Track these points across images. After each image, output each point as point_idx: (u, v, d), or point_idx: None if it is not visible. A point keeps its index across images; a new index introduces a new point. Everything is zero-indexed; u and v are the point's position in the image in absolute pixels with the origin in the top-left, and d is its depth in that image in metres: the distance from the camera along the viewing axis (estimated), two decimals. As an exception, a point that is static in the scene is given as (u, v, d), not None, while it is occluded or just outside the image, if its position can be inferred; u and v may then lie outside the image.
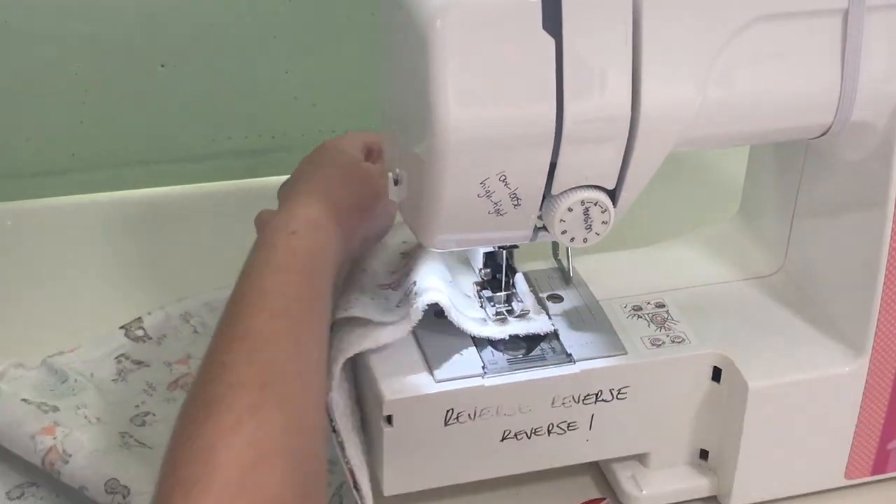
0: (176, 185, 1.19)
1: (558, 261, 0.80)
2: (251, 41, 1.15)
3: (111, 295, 0.99)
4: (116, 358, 0.87)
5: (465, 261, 0.78)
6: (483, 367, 0.70)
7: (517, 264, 0.75)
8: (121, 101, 1.15)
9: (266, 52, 1.16)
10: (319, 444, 0.59)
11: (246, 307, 0.62)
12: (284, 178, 1.20)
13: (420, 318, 0.68)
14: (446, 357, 0.71)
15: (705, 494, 0.76)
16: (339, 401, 0.68)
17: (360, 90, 1.19)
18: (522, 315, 0.73)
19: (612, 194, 0.63)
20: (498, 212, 0.62)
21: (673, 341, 0.73)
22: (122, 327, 0.90)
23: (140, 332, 0.89)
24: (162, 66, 1.14)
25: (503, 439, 0.71)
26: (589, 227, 0.63)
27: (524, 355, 0.72)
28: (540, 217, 0.64)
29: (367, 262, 0.76)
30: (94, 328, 0.94)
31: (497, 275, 0.74)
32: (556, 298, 0.77)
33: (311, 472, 0.56)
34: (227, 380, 0.56)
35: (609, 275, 0.80)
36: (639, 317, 0.76)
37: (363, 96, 1.19)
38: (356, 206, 0.72)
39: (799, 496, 0.77)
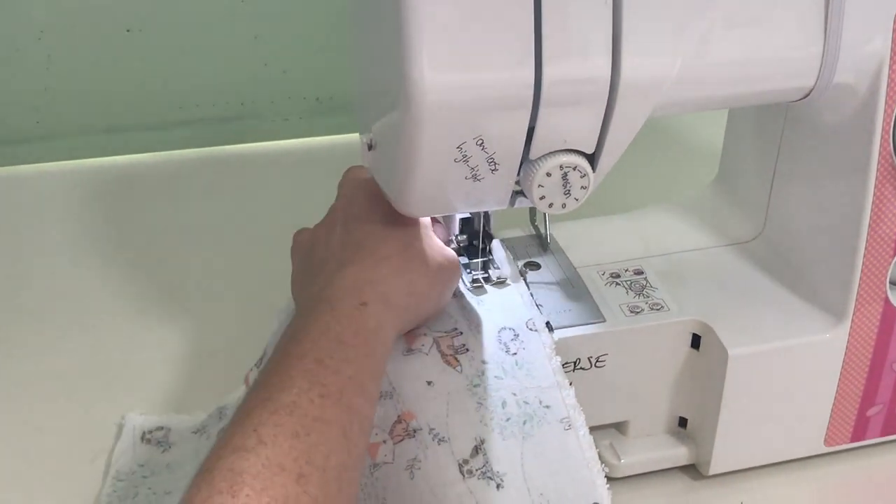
0: (143, 154, 1.17)
1: (535, 227, 0.79)
2: (219, 5, 1.13)
3: (75, 264, 0.98)
4: None
5: None
6: None
7: (494, 231, 0.74)
8: (86, 68, 1.13)
9: (234, 17, 1.14)
10: None
11: (298, 376, 0.55)
12: (253, 145, 1.20)
13: None
14: None
15: (684, 462, 0.76)
16: None
17: (332, 56, 1.18)
18: (500, 282, 0.72)
19: (592, 159, 0.62)
20: (475, 177, 0.61)
21: (652, 308, 0.72)
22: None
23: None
24: (128, 31, 1.12)
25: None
26: (568, 193, 0.62)
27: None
28: (518, 182, 0.63)
29: None
30: (58, 298, 0.93)
31: (474, 241, 0.73)
32: (534, 266, 0.76)
33: None
34: (264, 456, 0.51)
35: (587, 242, 0.79)
36: (617, 284, 0.75)
37: (334, 62, 1.18)
38: (431, 292, 0.66)
39: (778, 464, 0.76)
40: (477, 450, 0.63)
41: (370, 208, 0.68)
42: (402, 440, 0.64)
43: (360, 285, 0.62)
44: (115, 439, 0.78)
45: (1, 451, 0.77)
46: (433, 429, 0.64)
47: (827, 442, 0.76)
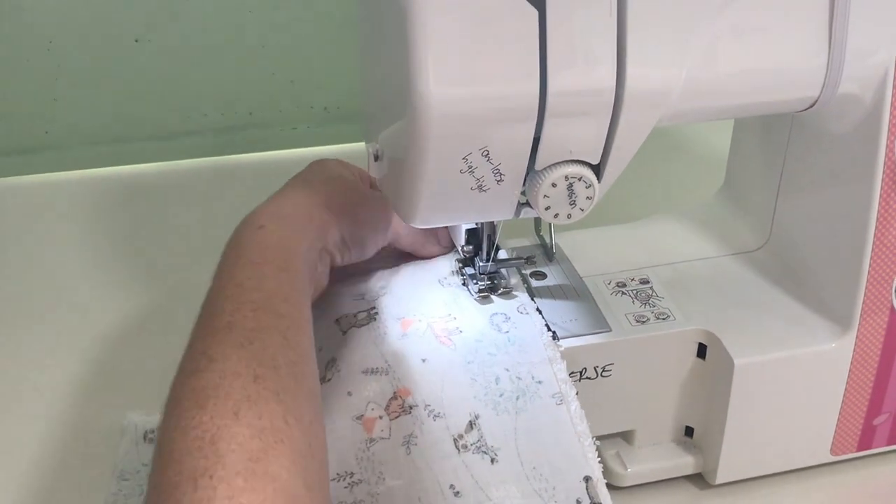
0: (151, 163, 1.18)
1: (541, 237, 0.79)
2: (227, 16, 1.13)
3: (85, 274, 0.98)
4: None
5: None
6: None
7: (500, 241, 0.74)
8: (94, 78, 1.13)
9: (242, 27, 1.14)
10: (317, 435, 0.57)
11: (226, 301, 0.59)
12: (261, 154, 1.20)
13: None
14: None
15: (690, 471, 0.76)
16: None
17: (339, 66, 1.18)
18: (506, 292, 0.72)
19: (597, 169, 0.62)
20: (481, 188, 0.61)
21: (658, 318, 0.73)
22: None
23: None
24: (136, 41, 1.12)
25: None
26: (573, 203, 0.62)
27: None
28: (523, 193, 0.63)
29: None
30: (65, 305, 0.93)
31: (479, 251, 0.73)
32: (540, 275, 0.76)
33: (315, 464, 0.55)
34: (218, 369, 0.54)
35: (593, 251, 0.79)
36: (623, 293, 0.75)
37: (341, 72, 1.19)
38: (331, 199, 0.70)
39: (785, 473, 0.76)
40: (471, 425, 0.65)
41: (292, 180, 0.73)
42: (398, 416, 0.65)
43: (257, 216, 0.66)
44: (118, 440, 0.78)
45: (8, 454, 0.78)
46: (428, 405, 0.65)
47: (833, 451, 0.76)
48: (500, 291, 0.73)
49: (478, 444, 0.64)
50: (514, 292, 0.73)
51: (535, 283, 0.75)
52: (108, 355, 0.88)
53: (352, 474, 0.63)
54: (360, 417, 0.65)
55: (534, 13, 0.56)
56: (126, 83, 1.14)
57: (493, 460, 0.63)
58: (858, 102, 0.67)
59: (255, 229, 0.65)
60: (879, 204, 0.68)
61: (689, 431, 0.76)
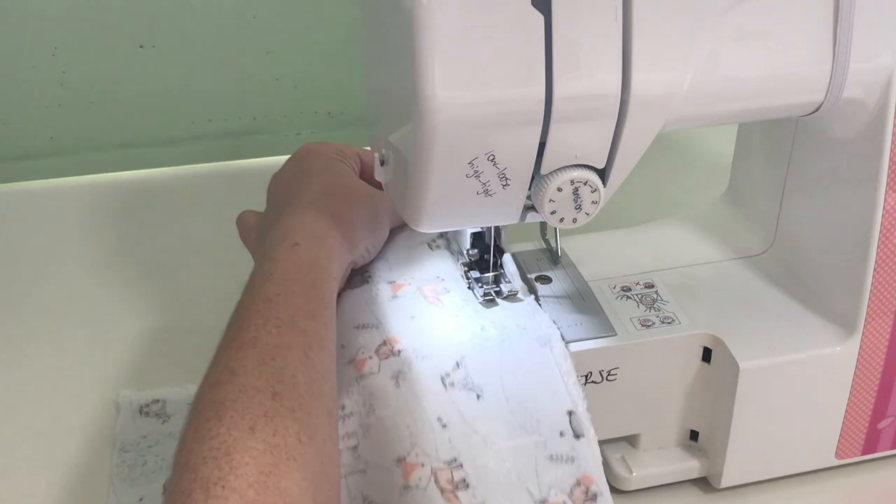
0: (156, 169, 1.18)
1: (546, 241, 0.79)
2: (231, 21, 1.13)
3: (90, 280, 0.98)
4: None
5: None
6: None
7: (505, 244, 0.75)
8: (99, 83, 1.13)
9: (246, 33, 1.14)
10: (330, 455, 0.59)
11: (253, 315, 0.61)
12: (266, 159, 1.21)
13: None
14: None
15: (695, 475, 0.76)
16: None
17: (343, 71, 1.19)
18: (511, 296, 0.73)
19: (602, 174, 0.63)
20: (486, 192, 0.61)
21: (662, 322, 0.73)
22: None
23: None
24: (140, 47, 1.12)
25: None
26: (579, 208, 0.63)
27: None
28: (529, 197, 0.63)
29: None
30: (71, 314, 0.93)
31: (485, 255, 0.74)
32: (545, 279, 0.76)
33: (326, 483, 0.57)
34: (238, 383, 0.56)
35: (598, 255, 0.79)
36: (628, 297, 0.75)
37: (346, 77, 1.19)
38: (358, 217, 0.72)
39: (789, 476, 0.76)
40: (458, 364, 0.67)
41: (290, 170, 0.75)
42: (387, 357, 0.67)
43: (291, 231, 0.68)
44: (114, 416, 0.81)
45: (15, 445, 0.80)
46: (416, 349, 0.67)
47: (838, 455, 0.76)
48: (504, 296, 0.73)
49: (464, 382, 0.66)
50: (519, 296, 0.73)
51: (540, 287, 0.75)
52: (114, 357, 0.88)
53: (343, 407, 0.65)
54: (351, 361, 0.67)
55: (539, 18, 0.56)
56: (130, 89, 1.15)
57: (478, 396, 0.65)
58: (863, 107, 0.67)
59: (290, 246, 0.66)
60: (884, 207, 0.69)
61: (693, 435, 0.76)
